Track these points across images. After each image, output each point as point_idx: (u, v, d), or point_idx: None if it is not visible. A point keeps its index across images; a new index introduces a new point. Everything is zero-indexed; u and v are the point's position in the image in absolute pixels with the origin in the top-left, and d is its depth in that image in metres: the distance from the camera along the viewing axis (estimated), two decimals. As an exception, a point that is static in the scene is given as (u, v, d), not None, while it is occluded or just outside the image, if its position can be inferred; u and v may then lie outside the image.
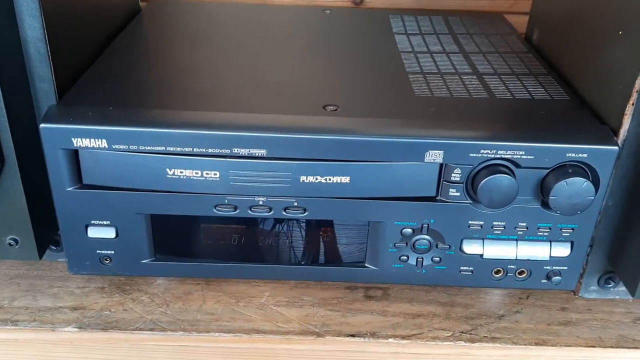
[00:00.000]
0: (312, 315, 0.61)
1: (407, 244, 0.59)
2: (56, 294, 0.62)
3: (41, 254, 0.60)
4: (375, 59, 0.72)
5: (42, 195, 0.58)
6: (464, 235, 0.58)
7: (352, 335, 0.59)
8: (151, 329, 0.58)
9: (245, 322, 0.60)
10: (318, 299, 0.63)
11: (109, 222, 0.58)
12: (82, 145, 0.54)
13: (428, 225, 0.58)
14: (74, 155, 0.55)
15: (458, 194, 0.56)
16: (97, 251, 0.59)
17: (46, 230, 0.60)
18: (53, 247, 0.63)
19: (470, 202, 0.56)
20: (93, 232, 0.58)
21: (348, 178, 0.55)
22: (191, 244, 0.61)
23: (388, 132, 0.54)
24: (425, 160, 0.54)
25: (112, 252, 0.59)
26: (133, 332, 0.58)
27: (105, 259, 0.60)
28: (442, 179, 0.56)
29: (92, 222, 0.58)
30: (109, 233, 0.58)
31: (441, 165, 0.55)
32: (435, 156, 0.54)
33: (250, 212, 0.57)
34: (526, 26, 0.85)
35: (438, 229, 0.58)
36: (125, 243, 0.59)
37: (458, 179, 0.55)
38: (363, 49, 0.74)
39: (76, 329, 0.58)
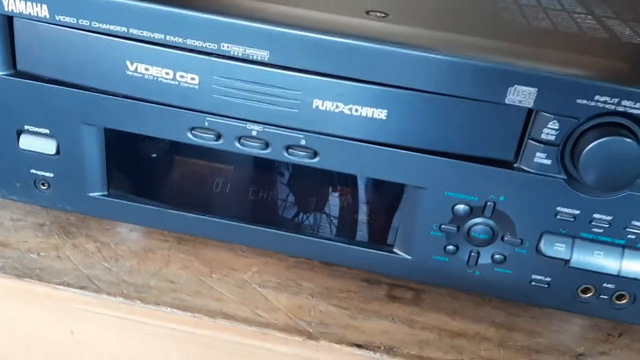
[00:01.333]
0: (309, 307, 0.43)
1: (459, 227, 0.40)
2: (-21, 222, 0.47)
3: (-35, 164, 0.45)
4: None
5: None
6: (546, 227, 0.39)
7: (359, 346, 0.41)
8: (82, 287, 0.42)
9: (214, 300, 0.43)
10: (321, 288, 0.45)
11: (47, 132, 0.42)
12: (15, 10, 0.38)
13: (494, 203, 0.39)
14: (7, 25, 0.39)
15: (548, 161, 0.37)
16: (32, 170, 0.43)
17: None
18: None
19: (565, 177, 0.37)
20: (26, 142, 0.42)
21: (384, 112, 0.37)
22: (158, 181, 0.44)
23: (453, 49, 0.36)
24: (506, 100, 0.35)
25: (51, 174, 0.43)
26: (57, 286, 0.42)
27: (42, 184, 0.44)
28: (527, 135, 0.37)
29: (26, 127, 0.42)
30: (48, 146, 0.42)
31: (529, 111, 0.36)
32: (523, 95, 0.35)
33: (238, 145, 0.40)
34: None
35: (509, 212, 0.39)
36: (69, 165, 0.43)
37: (552, 138, 0.36)
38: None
39: (-16, 271, 0.42)
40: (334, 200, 0.42)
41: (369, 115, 0.37)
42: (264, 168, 0.42)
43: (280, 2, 0.39)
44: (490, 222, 0.39)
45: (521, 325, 0.45)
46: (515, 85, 0.35)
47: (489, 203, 0.39)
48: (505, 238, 0.40)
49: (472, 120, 0.37)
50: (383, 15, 0.40)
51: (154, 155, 0.43)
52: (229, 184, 0.43)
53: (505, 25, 0.42)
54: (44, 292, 0.42)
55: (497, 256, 0.41)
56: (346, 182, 0.41)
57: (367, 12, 0.40)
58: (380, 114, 0.37)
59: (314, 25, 0.36)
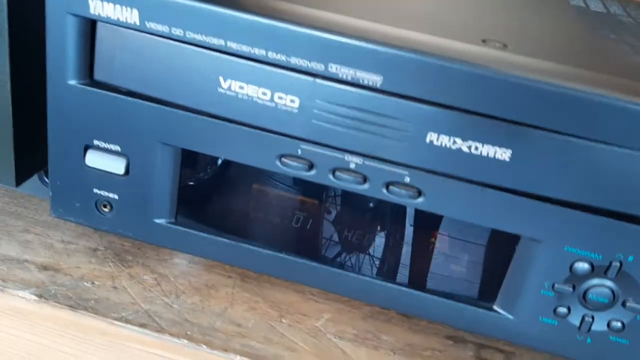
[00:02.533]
0: (391, 365, 0.38)
1: (574, 287, 0.35)
2: (28, 243, 0.42)
3: (20, 179, 0.41)
4: (562, 16, 0.49)
5: (37, 92, 0.39)
6: (677, 295, 0.34)
7: (450, 415, 0.36)
8: (142, 325, 0.37)
9: (286, 350, 0.38)
10: (403, 344, 0.40)
11: (119, 149, 0.38)
12: (102, 14, 0.34)
13: (621, 264, 0.34)
14: (89, 29, 0.35)
15: (690, 221, 0.32)
16: (95, 190, 0.39)
17: (35, 149, 0.41)
18: (47, 180, 0.44)
19: None
20: (94, 159, 0.38)
21: (508, 153, 0.33)
22: (232, 211, 0.40)
23: (593, 87, 0.31)
24: (651, 148, 0.31)
25: (116, 196, 0.39)
26: (114, 322, 0.37)
27: (104, 206, 0.40)
28: (668, 190, 0.32)
29: (95, 142, 0.38)
30: (117, 165, 0.38)
31: (676, 164, 0.32)
32: (673, 144, 0.31)
33: (332, 177, 0.35)
34: None
35: (636, 274, 0.34)
36: (137, 187, 0.39)
37: (699, 194, 0.32)
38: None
39: (34, 297, 0.38)
40: (432, 246, 0.38)
41: (491, 154, 0.33)
42: (357, 203, 0.38)
43: (394, 24, 0.35)
44: (612, 284, 0.35)
45: (626, 401, 0.40)
46: (666, 133, 0.31)
47: (614, 263, 0.34)
48: (628, 304, 0.35)
49: (608, 169, 0.32)
50: (501, 45, 0.36)
51: (233, 179, 0.39)
52: (311, 220, 0.39)
53: (630, 62, 0.38)
54: (100, 327, 0.37)
55: (614, 323, 0.36)
56: (448, 226, 0.37)
57: (484, 41, 0.36)
58: (504, 154, 0.33)
59: (433, 51, 0.32)
